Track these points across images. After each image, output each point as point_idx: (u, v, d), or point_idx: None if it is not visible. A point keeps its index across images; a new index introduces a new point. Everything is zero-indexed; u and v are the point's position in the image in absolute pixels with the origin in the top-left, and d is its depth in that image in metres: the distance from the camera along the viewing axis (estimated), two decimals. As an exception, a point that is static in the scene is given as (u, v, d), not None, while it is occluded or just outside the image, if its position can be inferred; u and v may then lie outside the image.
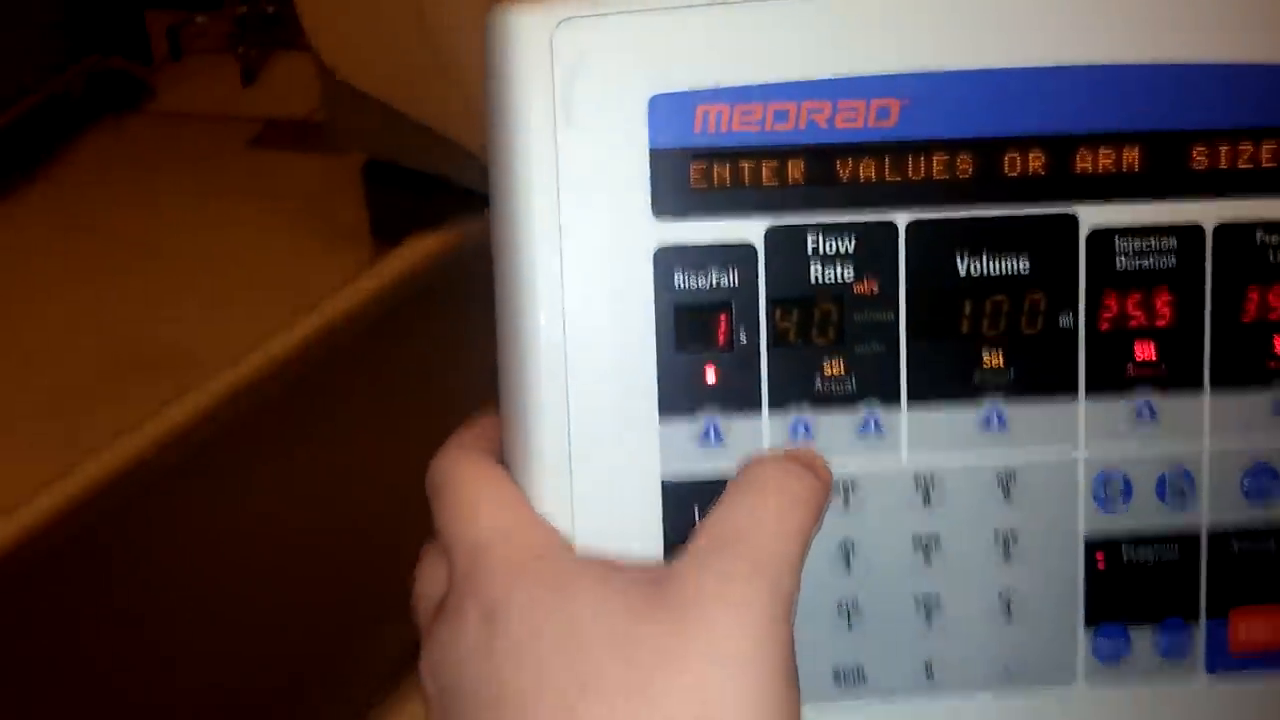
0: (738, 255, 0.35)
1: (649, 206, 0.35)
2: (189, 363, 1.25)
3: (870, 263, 0.36)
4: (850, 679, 0.36)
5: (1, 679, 0.64)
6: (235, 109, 1.75)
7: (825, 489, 0.34)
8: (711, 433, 0.35)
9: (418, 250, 0.91)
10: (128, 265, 1.48)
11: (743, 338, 0.35)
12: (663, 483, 0.35)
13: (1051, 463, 0.36)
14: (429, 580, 0.35)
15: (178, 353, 1.32)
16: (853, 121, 0.35)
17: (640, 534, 0.35)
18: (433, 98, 1.23)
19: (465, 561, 0.34)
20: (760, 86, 0.35)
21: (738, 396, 0.35)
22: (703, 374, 0.35)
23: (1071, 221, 0.36)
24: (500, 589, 0.33)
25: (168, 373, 1.28)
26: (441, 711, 0.33)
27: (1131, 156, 0.36)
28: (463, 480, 0.35)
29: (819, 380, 0.36)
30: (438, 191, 1.28)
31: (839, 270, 0.36)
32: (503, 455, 0.36)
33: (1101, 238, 0.36)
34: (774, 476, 0.34)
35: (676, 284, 0.35)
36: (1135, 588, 0.37)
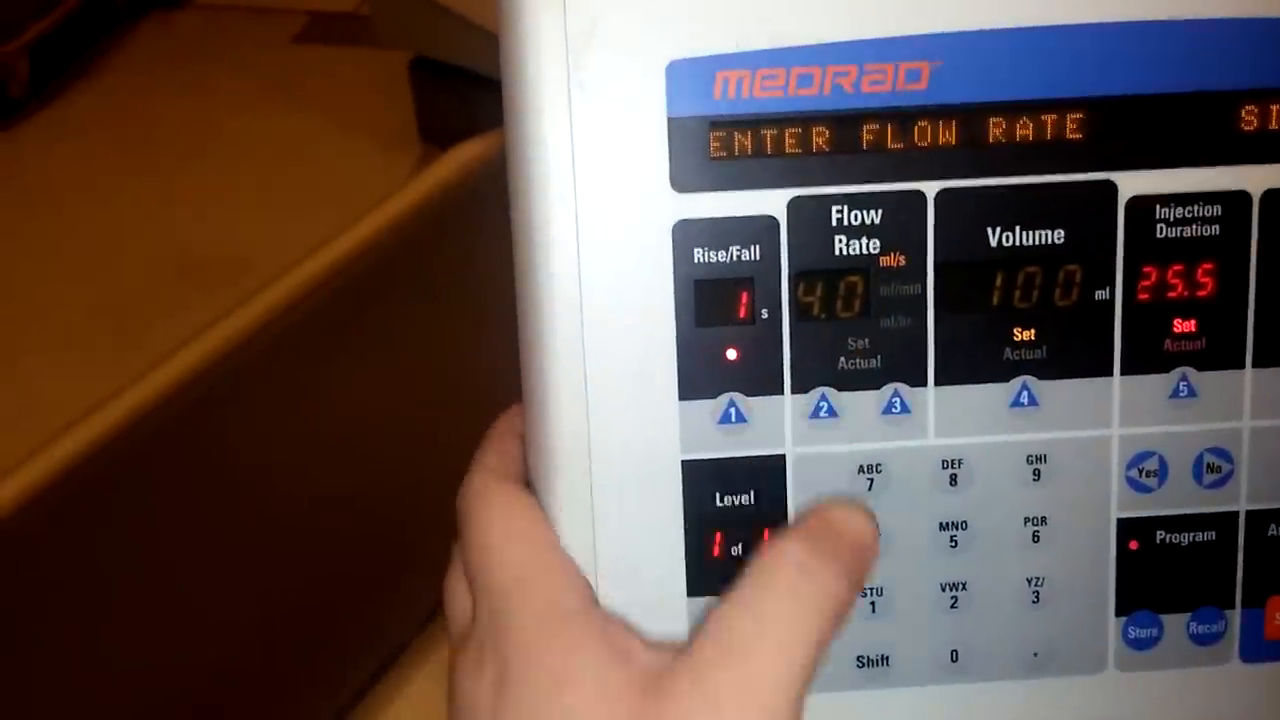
0: (759, 227, 0.34)
1: (667, 178, 0.34)
2: (240, 267, 1.26)
3: (897, 234, 0.34)
4: (875, 666, 0.35)
5: (63, 592, 0.65)
6: (280, 1, 1.73)
7: (851, 583, 0.32)
8: (733, 411, 0.35)
9: (468, 154, 0.90)
10: (175, 167, 1.49)
11: (764, 313, 0.34)
12: (683, 462, 0.35)
13: (1084, 443, 0.35)
14: (456, 603, 0.35)
15: (228, 256, 1.32)
16: (880, 85, 0.34)
17: (660, 514, 0.35)
18: (479, -9, 1.21)
19: (486, 608, 0.33)
20: (783, 50, 0.33)
21: (759, 374, 0.35)
22: (723, 351, 0.34)
23: (1110, 189, 0.34)
24: (514, 652, 0.32)
25: (220, 277, 1.28)
26: None
27: (1175, 119, 0.34)
28: (488, 512, 0.35)
29: (843, 357, 0.35)
30: (486, 90, 1.26)
31: (865, 242, 0.34)
32: (525, 454, 0.36)
33: (1141, 206, 0.34)
34: (788, 576, 0.31)
35: (696, 258, 0.34)
36: (1169, 572, 0.36)
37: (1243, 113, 0.34)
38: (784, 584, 0.31)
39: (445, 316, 0.84)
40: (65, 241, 1.42)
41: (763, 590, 0.31)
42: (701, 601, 0.35)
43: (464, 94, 1.26)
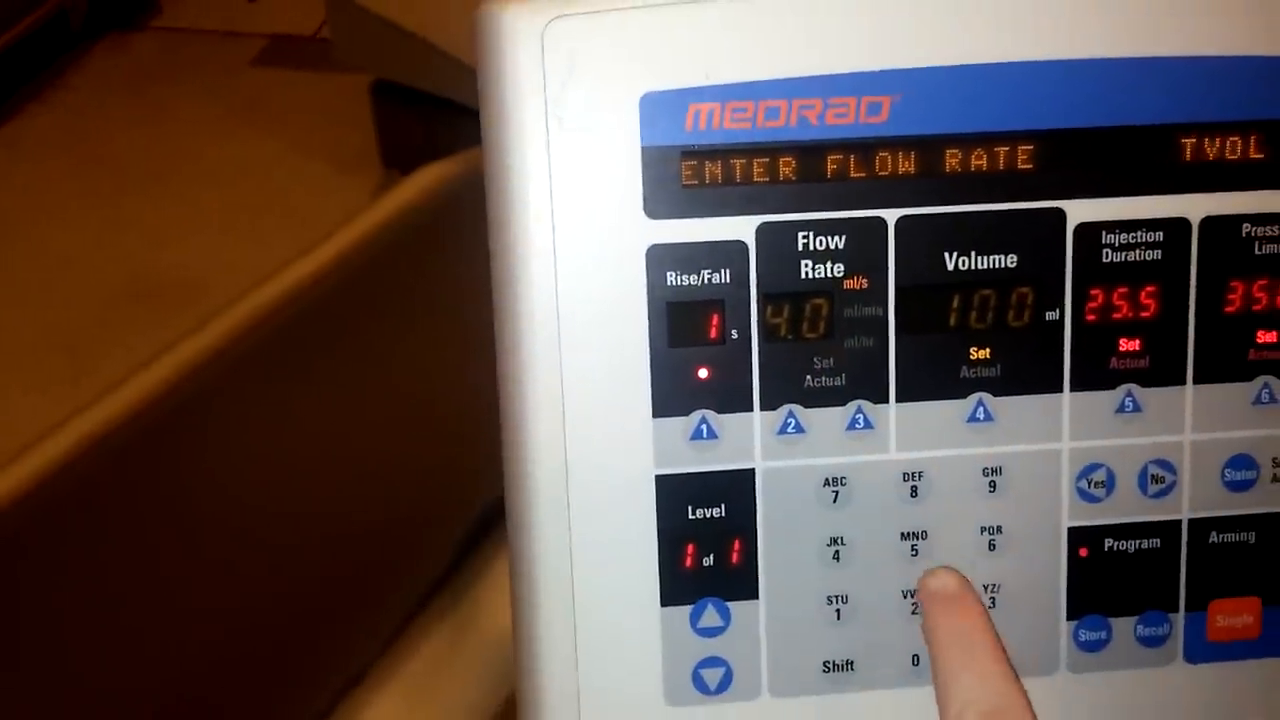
0: (729, 252, 0.36)
1: (641, 204, 0.35)
2: (197, 292, 1.25)
3: (860, 259, 0.36)
4: (840, 671, 0.37)
5: (17, 624, 0.65)
6: (240, 25, 1.74)
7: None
8: (704, 428, 0.36)
9: (429, 178, 0.91)
10: (132, 189, 1.48)
11: (734, 333, 0.36)
12: (656, 477, 0.36)
13: (1036, 456, 0.37)
14: None
15: (186, 281, 1.32)
16: (844, 118, 0.36)
17: (634, 527, 0.36)
18: (442, 16, 1.22)
19: None
20: (751, 84, 0.35)
21: (730, 392, 0.36)
22: (695, 370, 0.36)
23: (1059, 216, 0.36)
24: None
25: (176, 302, 1.28)
26: None
27: (1120, 151, 0.36)
28: None
29: (809, 376, 0.36)
30: (447, 114, 1.27)
31: (829, 266, 0.36)
32: (501, 448, 0.37)
33: (1088, 232, 0.36)
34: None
35: (669, 281, 0.36)
36: (1117, 578, 0.38)
37: (1182, 144, 0.36)
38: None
39: (406, 340, 0.84)
40: (16, 264, 1.40)
41: None
42: (674, 611, 0.37)
43: (425, 118, 1.27)
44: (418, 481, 0.79)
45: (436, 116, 1.29)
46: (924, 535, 0.37)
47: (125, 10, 1.80)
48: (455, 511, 0.81)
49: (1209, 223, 0.37)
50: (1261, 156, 0.36)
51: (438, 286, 0.85)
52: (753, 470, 0.36)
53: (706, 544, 0.37)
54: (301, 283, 0.78)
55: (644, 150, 0.35)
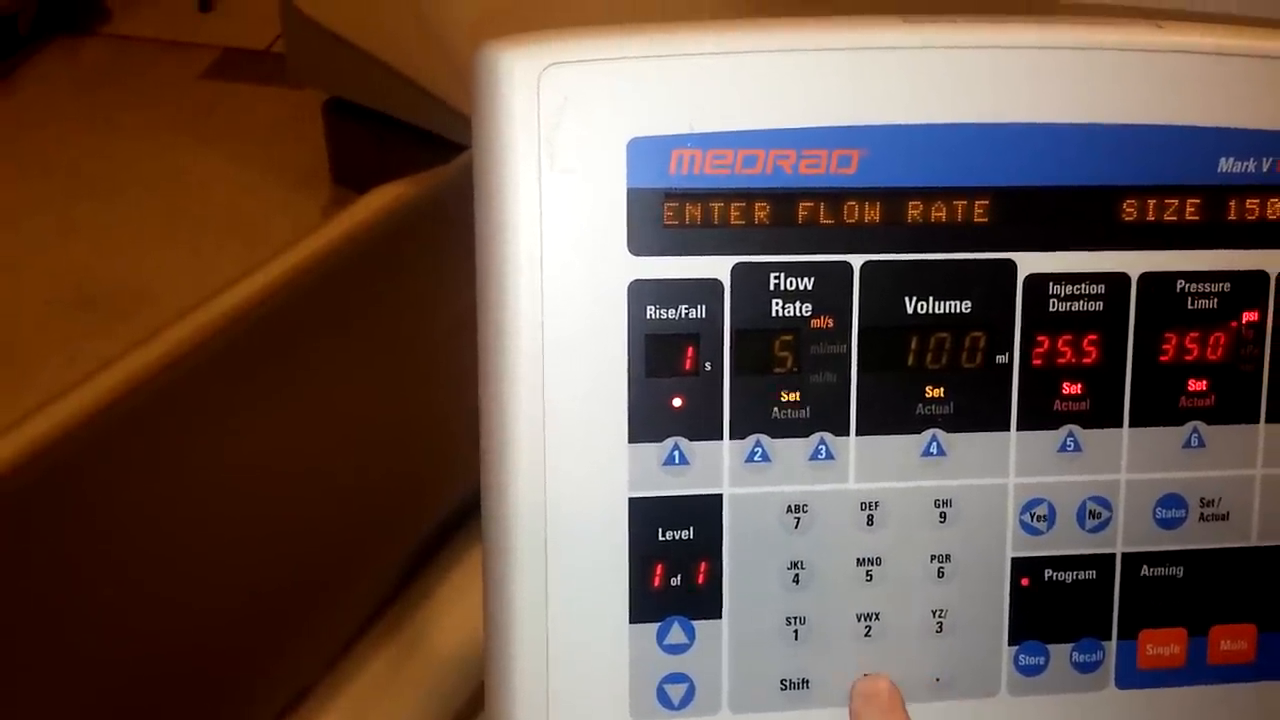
0: (706, 289, 0.38)
1: (625, 242, 0.38)
2: (143, 302, 1.24)
3: (827, 300, 0.38)
4: (796, 689, 0.39)
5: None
6: (191, 35, 1.73)
7: None
8: (676, 454, 0.38)
9: (383, 199, 0.92)
10: (78, 195, 1.47)
11: (708, 366, 0.38)
12: (630, 499, 0.38)
13: (984, 490, 0.40)
14: None
15: (131, 290, 1.31)
16: (815, 168, 0.38)
17: (606, 546, 0.38)
18: (399, 39, 1.23)
19: None
20: (731, 133, 0.37)
21: (702, 421, 0.38)
22: (670, 399, 0.38)
23: (1010, 267, 0.39)
24: None
25: (121, 311, 1.27)
26: None
27: (1067, 208, 0.39)
28: None
29: (776, 408, 0.39)
30: (401, 134, 1.28)
31: (798, 306, 0.38)
32: (480, 470, 0.39)
33: (1037, 282, 0.39)
34: None
35: (649, 314, 0.38)
36: (1055, 606, 0.40)
37: (1124, 205, 0.39)
38: None
39: (355, 359, 0.85)
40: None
41: None
42: (642, 628, 0.39)
43: (379, 138, 1.28)
44: (364, 501, 0.80)
45: (390, 137, 1.29)
46: (879, 561, 0.39)
47: (74, 15, 1.79)
48: (402, 531, 0.82)
49: (1147, 278, 0.40)
50: (1197, 219, 0.39)
51: (388, 307, 0.86)
52: (720, 495, 0.39)
53: (675, 565, 0.39)
54: (252, 299, 0.79)
55: (629, 191, 0.37)
